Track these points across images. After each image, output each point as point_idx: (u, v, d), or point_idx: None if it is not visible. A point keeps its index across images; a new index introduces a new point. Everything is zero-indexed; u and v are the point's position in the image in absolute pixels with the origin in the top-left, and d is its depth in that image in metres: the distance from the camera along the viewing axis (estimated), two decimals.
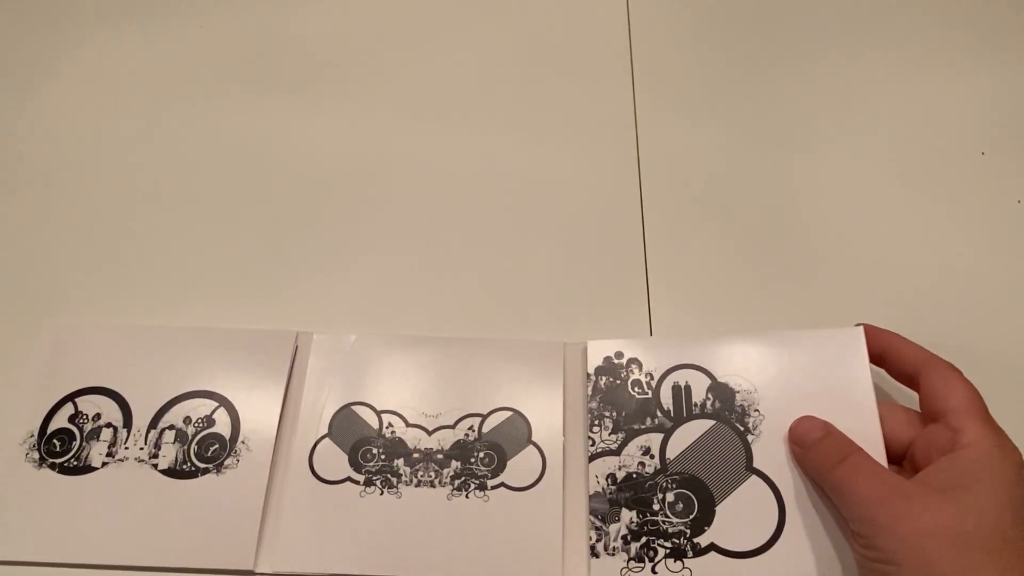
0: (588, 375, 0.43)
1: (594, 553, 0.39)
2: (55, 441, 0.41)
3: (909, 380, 0.40)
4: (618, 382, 0.43)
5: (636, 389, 0.43)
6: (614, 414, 0.42)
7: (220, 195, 0.50)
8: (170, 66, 0.55)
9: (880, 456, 0.39)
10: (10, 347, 0.44)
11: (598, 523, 0.40)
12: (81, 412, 0.41)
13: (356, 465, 0.40)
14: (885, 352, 0.40)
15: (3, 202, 0.50)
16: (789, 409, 0.41)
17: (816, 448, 0.38)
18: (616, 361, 0.44)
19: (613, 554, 0.39)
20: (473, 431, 0.41)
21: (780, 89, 0.53)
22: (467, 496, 0.40)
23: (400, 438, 0.41)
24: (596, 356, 0.44)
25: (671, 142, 0.51)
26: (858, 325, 0.42)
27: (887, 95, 0.52)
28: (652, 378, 0.43)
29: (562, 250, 0.49)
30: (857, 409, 0.40)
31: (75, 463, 0.40)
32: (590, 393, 0.43)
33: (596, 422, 0.42)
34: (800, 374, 0.41)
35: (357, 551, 0.38)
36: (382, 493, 0.40)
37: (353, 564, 0.38)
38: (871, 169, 0.50)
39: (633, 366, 0.43)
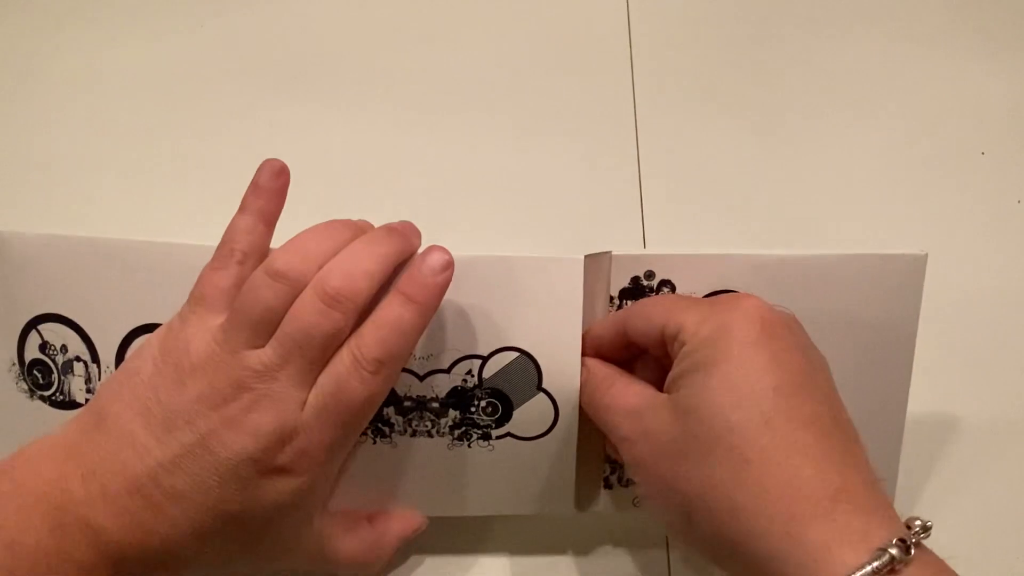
0: (611, 298, 0.34)
1: (607, 485, 0.36)
2: (36, 373, 0.38)
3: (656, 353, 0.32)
4: None
5: None
6: None
7: (219, 193, 0.45)
8: (169, 65, 0.54)
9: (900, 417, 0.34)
10: None
11: (615, 460, 0.36)
12: (48, 342, 0.37)
13: None
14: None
15: (2, 203, 0.50)
16: (824, 346, 0.31)
17: (583, 394, 0.33)
18: (645, 283, 0.34)
19: (626, 486, 0.36)
20: (472, 376, 0.35)
21: (780, 88, 0.51)
22: (469, 446, 0.35)
23: None
24: (622, 275, 0.34)
25: (671, 141, 0.50)
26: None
27: (887, 94, 0.51)
28: None
29: (560, 251, 0.41)
30: (892, 355, 0.34)
31: (61, 397, 0.38)
32: None
33: None
34: (842, 307, 0.34)
35: (355, 498, 0.36)
36: (375, 442, 0.36)
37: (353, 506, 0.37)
38: (871, 168, 0.49)
39: (665, 289, 0.34)
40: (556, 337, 0.34)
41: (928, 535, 0.26)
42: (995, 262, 0.47)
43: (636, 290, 0.34)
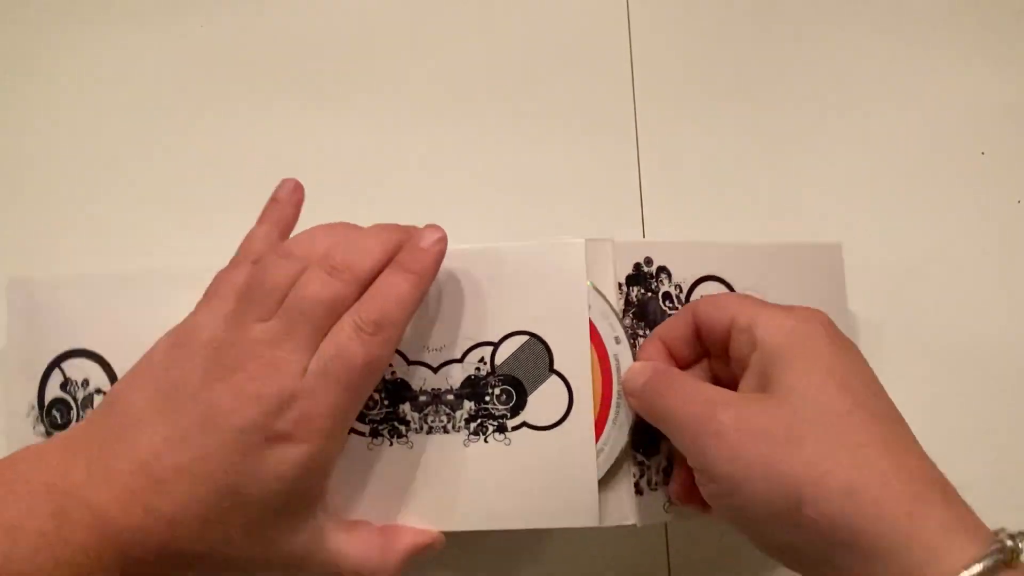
0: (619, 285, 0.35)
1: (638, 491, 0.35)
2: (54, 413, 0.38)
3: (721, 347, 0.33)
4: (649, 294, 0.35)
5: (667, 303, 0.36)
6: (647, 333, 0.35)
7: (218, 196, 0.48)
8: (169, 66, 0.53)
9: None
10: None
11: (640, 457, 0.35)
12: (70, 379, 0.38)
13: (359, 414, 0.36)
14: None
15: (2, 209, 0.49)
16: None
17: (643, 392, 0.33)
18: (646, 269, 0.36)
19: (656, 489, 0.35)
20: (485, 363, 0.35)
21: (780, 87, 0.51)
22: (485, 440, 0.35)
23: (402, 379, 0.36)
24: (625, 262, 0.36)
25: (671, 138, 0.49)
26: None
27: (887, 94, 0.51)
28: (681, 290, 0.36)
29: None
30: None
31: None
32: (623, 307, 0.35)
33: (631, 342, 0.35)
34: (781, 290, 0.37)
35: (372, 507, 0.35)
36: (391, 444, 0.35)
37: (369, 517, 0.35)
38: (871, 168, 0.49)
39: (663, 276, 0.36)
40: (564, 318, 0.35)
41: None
42: (995, 262, 0.47)
43: (639, 276, 0.36)
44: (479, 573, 0.41)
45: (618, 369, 0.35)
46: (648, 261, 0.36)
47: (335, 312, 0.31)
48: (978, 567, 0.24)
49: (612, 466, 0.35)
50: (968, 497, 0.28)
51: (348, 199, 0.47)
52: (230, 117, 0.51)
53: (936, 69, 0.51)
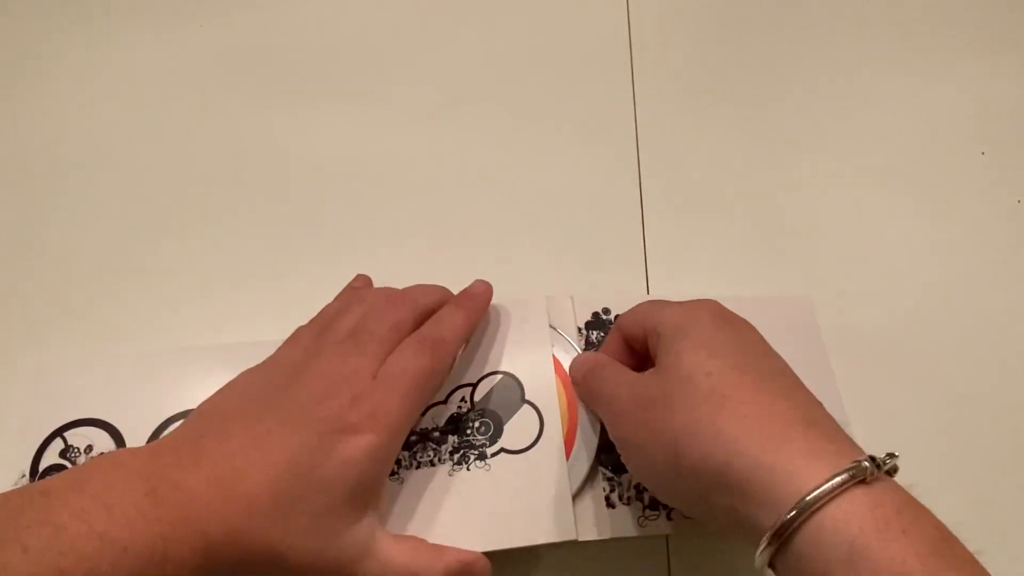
0: (579, 329, 0.42)
1: (609, 504, 0.39)
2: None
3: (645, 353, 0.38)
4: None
5: None
6: None
7: (218, 194, 0.49)
8: (169, 66, 0.53)
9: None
10: None
11: (609, 474, 0.39)
12: (71, 446, 0.41)
13: None
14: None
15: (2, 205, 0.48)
16: None
17: (584, 379, 0.39)
18: (604, 317, 0.43)
19: (628, 503, 0.39)
20: (465, 402, 0.40)
21: (780, 88, 0.52)
22: (468, 468, 0.39)
23: None
24: (584, 311, 0.43)
25: (671, 141, 0.50)
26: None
27: (887, 95, 0.51)
28: None
29: (561, 251, 0.48)
30: (815, 378, 0.35)
31: None
32: (583, 348, 0.42)
33: None
34: None
35: None
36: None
37: None
38: (871, 169, 0.49)
39: None
40: (532, 358, 0.41)
41: (895, 461, 0.29)
42: (995, 262, 0.46)
43: (597, 322, 0.43)
44: None
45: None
46: (606, 311, 0.43)
47: (398, 332, 0.36)
48: (828, 485, 0.27)
49: (583, 481, 0.39)
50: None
51: (350, 202, 0.48)
52: (229, 114, 0.51)
53: (936, 69, 0.51)
